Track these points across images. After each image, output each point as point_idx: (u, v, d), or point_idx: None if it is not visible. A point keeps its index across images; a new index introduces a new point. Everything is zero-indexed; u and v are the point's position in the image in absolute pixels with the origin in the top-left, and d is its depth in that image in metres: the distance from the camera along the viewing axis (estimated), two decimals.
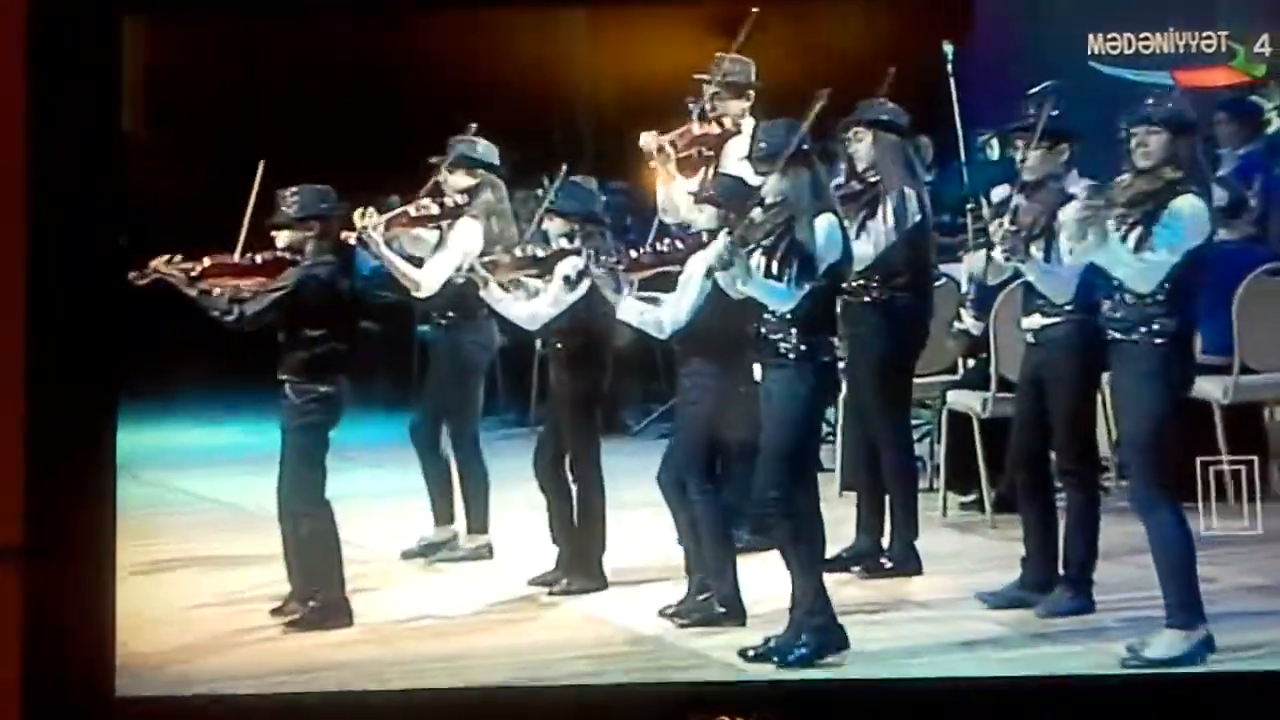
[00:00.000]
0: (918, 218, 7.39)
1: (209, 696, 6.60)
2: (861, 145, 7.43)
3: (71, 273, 6.52)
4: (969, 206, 7.33)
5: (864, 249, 7.25)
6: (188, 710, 6.58)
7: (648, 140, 7.49)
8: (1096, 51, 7.05)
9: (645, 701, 6.45)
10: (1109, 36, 6.99)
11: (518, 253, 7.35)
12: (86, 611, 6.45)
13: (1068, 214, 6.70)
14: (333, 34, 7.28)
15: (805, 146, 6.70)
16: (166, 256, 7.05)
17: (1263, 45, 6.93)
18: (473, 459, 7.84)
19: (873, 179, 7.40)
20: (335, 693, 6.62)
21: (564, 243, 7.32)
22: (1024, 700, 6.33)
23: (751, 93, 7.56)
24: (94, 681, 6.46)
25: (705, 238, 6.84)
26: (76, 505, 6.49)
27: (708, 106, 7.53)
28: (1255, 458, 7.11)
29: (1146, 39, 6.99)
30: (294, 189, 7.18)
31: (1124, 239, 6.50)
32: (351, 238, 7.39)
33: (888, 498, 7.51)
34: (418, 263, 7.69)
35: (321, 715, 6.54)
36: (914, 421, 7.75)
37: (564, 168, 7.36)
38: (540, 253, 7.31)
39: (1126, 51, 7.04)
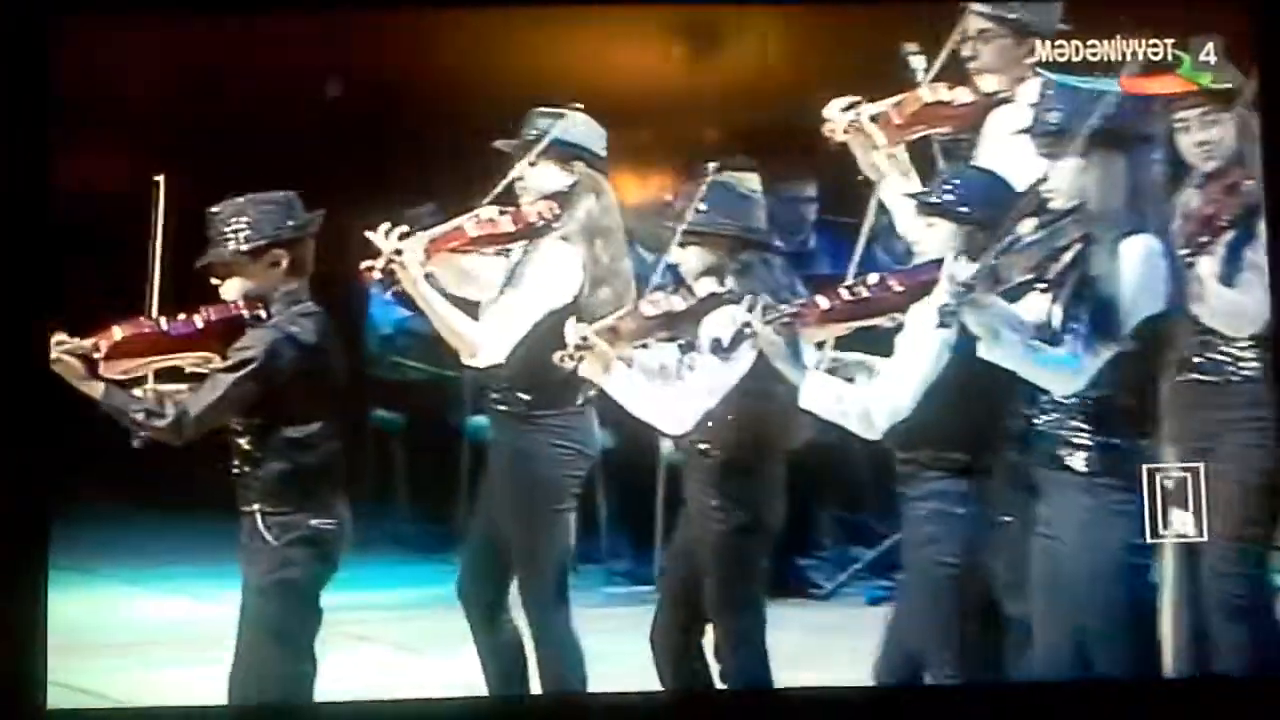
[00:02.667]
0: None
1: None
2: (1213, 131, 6.06)
3: None
4: None
5: (1238, 301, 5.94)
6: None
7: (835, 115, 6.05)
8: (1045, 59, 6.47)
9: None
10: (1057, 44, 6.43)
11: (647, 308, 5.94)
12: None
13: None
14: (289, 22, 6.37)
15: (1124, 121, 5.61)
16: (59, 336, 5.78)
17: (1208, 54, 6.43)
18: (560, 634, 6.41)
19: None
20: None
21: (710, 284, 5.94)
22: None
23: (1038, 42, 6.26)
24: None
25: (938, 272, 5.66)
26: None
27: (967, 53, 6.14)
28: None
29: (1094, 46, 6.46)
30: (234, 204, 5.78)
31: None
32: (374, 271, 5.97)
33: None
34: (472, 313, 6.26)
35: None
36: None
37: (709, 166, 5.97)
38: (681, 303, 5.96)
39: (1074, 59, 6.46)
